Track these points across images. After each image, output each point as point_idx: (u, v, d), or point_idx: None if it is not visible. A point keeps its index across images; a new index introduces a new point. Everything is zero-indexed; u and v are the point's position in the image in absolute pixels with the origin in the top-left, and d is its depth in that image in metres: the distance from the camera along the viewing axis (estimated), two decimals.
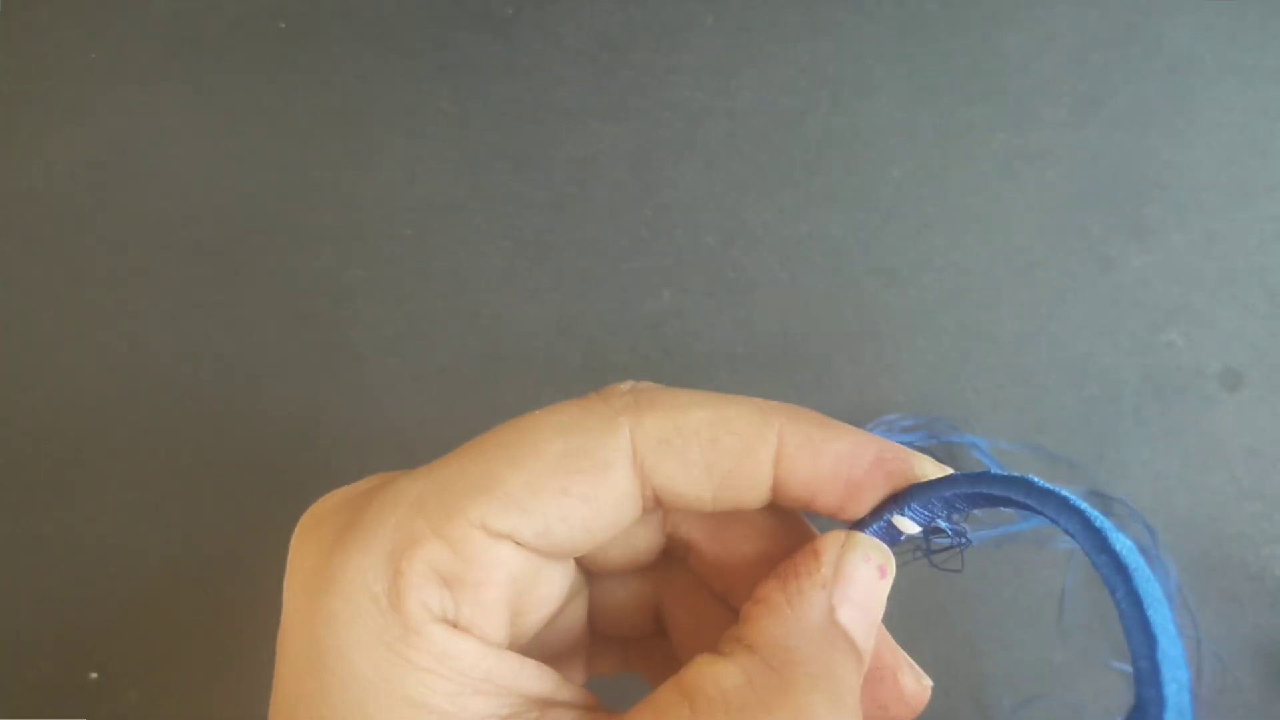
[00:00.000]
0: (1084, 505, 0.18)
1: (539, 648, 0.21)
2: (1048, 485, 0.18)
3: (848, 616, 0.18)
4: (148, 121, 0.42)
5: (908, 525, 0.20)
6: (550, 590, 0.19)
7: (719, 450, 0.19)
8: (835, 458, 0.19)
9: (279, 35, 0.43)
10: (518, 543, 0.18)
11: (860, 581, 0.19)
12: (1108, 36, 0.41)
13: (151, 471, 0.39)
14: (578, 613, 0.22)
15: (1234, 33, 0.41)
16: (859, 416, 0.39)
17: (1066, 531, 0.18)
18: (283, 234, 0.41)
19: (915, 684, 0.20)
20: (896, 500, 0.19)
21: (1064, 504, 0.18)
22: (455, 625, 0.17)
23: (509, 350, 0.40)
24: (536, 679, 0.18)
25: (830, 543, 0.19)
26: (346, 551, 0.17)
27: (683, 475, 0.19)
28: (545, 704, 0.18)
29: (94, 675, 0.37)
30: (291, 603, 0.18)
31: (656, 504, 0.19)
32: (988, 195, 0.40)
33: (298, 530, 0.19)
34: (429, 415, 0.39)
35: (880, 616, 0.19)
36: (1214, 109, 0.40)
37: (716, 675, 0.17)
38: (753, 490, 0.19)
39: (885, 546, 0.19)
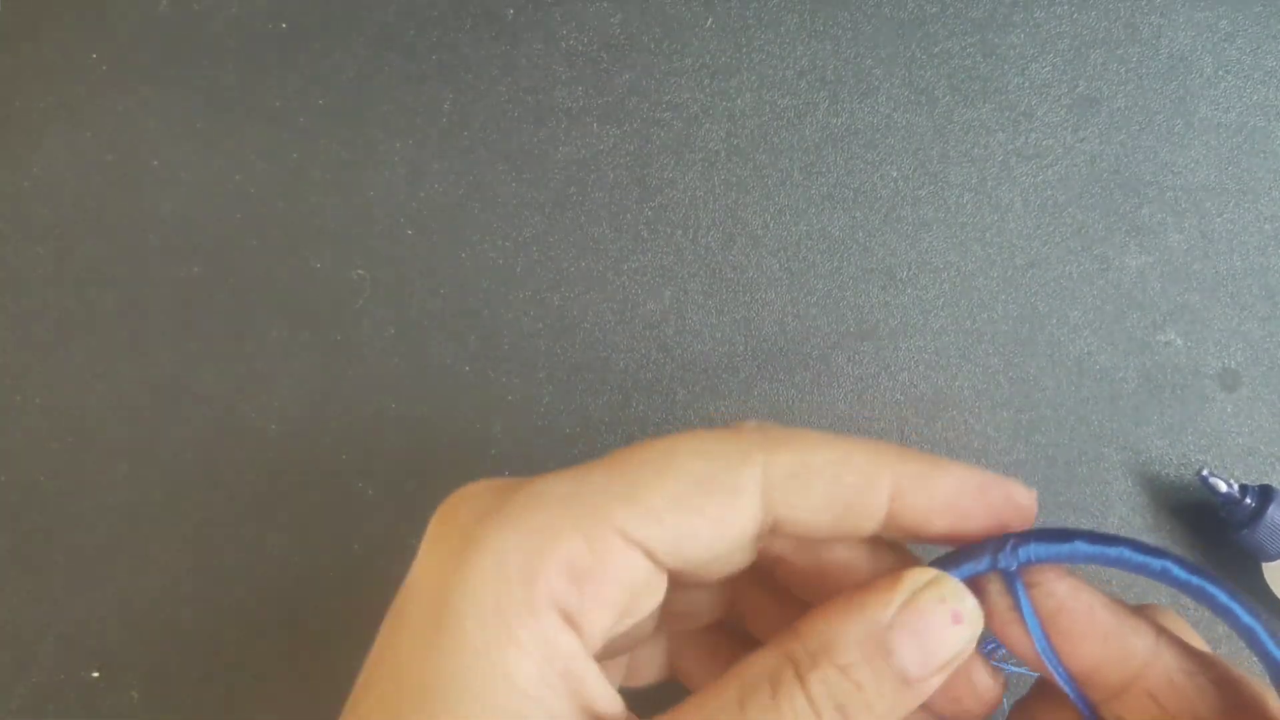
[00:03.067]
0: (1234, 602, 0.18)
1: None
2: (1192, 577, 0.19)
3: (902, 643, 0.19)
4: (148, 121, 0.42)
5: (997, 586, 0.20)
6: (650, 602, 0.21)
7: (841, 486, 0.20)
8: (945, 491, 0.21)
9: (279, 35, 0.43)
10: (647, 551, 0.19)
11: (928, 618, 0.19)
12: (1106, 37, 0.41)
13: (152, 470, 0.39)
14: (653, 618, 0.23)
15: (1232, 33, 0.41)
16: (859, 416, 0.39)
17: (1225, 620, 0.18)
18: (283, 234, 0.41)
19: (987, 679, 0.21)
20: (1000, 543, 0.20)
21: (1227, 607, 0.18)
22: (569, 619, 0.18)
23: (509, 350, 0.40)
24: (610, 702, 0.19)
25: (915, 573, 0.20)
26: (489, 527, 0.19)
27: (805, 506, 0.20)
28: None
29: (95, 674, 0.37)
30: (423, 569, 0.19)
31: (769, 529, 0.21)
32: (986, 195, 0.40)
33: (439, 513, 0.20)
34: (429, 415, 0.40)
35: (948, 661, 0.19)
36: (1212, 109, 0.41)
37: (758, 656, 0.19)
38: (868, 522, 0.21)
39: (970, 596, 0.20)
